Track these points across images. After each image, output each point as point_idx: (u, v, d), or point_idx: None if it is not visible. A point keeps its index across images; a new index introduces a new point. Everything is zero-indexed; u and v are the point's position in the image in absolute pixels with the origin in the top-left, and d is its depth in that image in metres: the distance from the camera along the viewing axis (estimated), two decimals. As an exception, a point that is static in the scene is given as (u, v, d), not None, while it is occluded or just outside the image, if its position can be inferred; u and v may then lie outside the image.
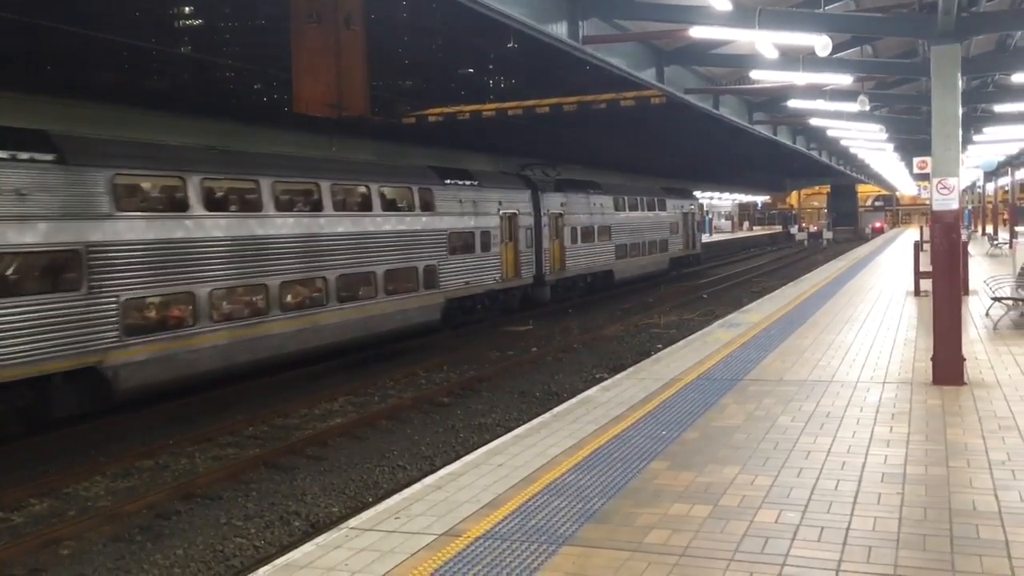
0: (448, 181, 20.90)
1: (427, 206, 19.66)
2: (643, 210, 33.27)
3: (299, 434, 12.25)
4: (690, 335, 15.30)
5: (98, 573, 7.86)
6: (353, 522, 5.97)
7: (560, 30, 11.66)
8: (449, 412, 13.48)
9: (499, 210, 22.60)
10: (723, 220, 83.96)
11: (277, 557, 5.83)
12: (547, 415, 8.97)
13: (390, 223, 18.24)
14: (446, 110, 36.27)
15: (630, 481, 6.52)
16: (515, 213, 23.44)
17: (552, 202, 25.95)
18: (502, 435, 8.61)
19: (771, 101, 22.06)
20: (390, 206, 18.63)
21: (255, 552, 8.38)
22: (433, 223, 19.70)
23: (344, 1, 47.21)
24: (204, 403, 13.95)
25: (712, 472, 6.67)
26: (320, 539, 5.66)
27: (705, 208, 78.49)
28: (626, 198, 32.02)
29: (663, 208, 35.41)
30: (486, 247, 21.74)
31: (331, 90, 38.12)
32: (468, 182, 21.82)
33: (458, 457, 8.55)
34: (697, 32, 11.38)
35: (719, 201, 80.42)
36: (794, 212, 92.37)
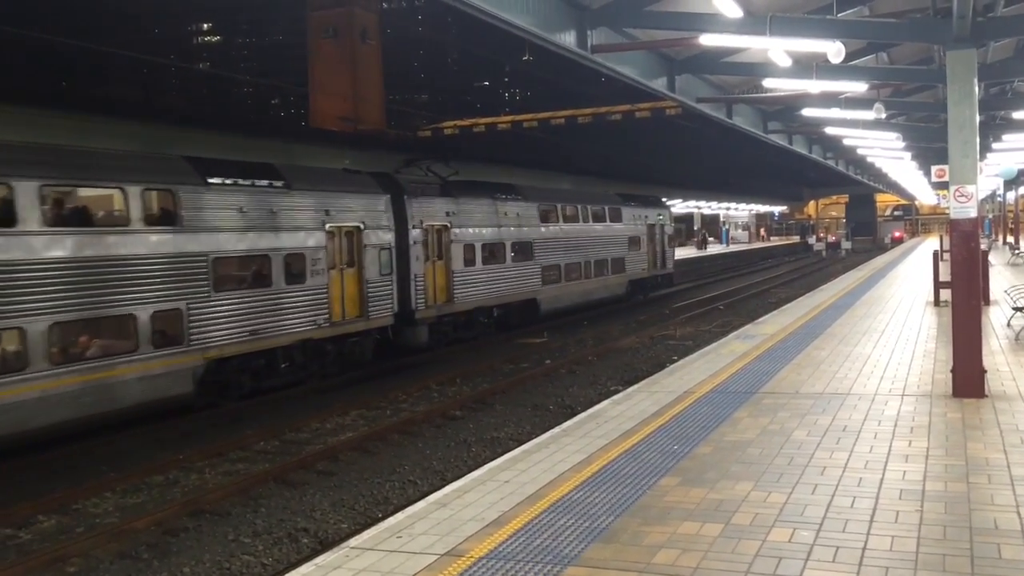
0: (217, 180, 14.18)
1: (169, 218, 13.30)
2: (586, 221, 26.88)
3: (310, 449, 12.16)
4: (705, 347, 15.11)
5: (103, 591, 7.78)
6: (354, 541, 5.85)
7: (568, 39, 11.58)
8: (461, 426, 13.35)
9: (325, 223, 16.07)
10: (740, 231, 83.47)
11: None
12: (556, 429, 8.84)
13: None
14: (461, 123, 36.30)
15: (639, 498, 6.36)
16: (358, 227, 16.92)
17: (431, 211, 19.41)
18: (514, 449, 8.47)
19: (785, 110, 21.89)
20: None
21: (262, 570, 8.28)
22: (174, 244, 13.16)
23: (360, 16, 47.44)
24: (215, 417, 13.90)
25: (724, 488, 6.50)
26: (320, 559, 5.54)
27: (721, 219, 78.15)
28: (560, 206, 25.44)
29: (617, 219, 28.80)
30: (297, 278, 15.32)
31: (347, 104, 38.25)
32: (266, 182, 15.16)
33: (469, 472, 8.42)
34: (708, 40, 11.26)
35: (735, 212, 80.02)
36: (812, 222, 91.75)
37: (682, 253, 55.78)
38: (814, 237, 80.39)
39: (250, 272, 14.64)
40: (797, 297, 24.74)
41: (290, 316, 15.17)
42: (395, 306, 17.92)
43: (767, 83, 15.26)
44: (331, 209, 16.26)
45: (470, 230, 20.81)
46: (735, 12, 9.68)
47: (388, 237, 17.76)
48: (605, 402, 10.10)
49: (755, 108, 21.88)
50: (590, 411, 9.64)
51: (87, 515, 9.74)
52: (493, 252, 21.65)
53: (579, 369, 17.69)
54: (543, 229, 24.03)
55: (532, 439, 8.90)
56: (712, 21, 10.52)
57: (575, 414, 10.75)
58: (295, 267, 15.33)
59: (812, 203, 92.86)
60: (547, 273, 23.99)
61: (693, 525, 5.75)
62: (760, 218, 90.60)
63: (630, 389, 11.03)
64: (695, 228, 71.89)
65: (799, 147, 29.20)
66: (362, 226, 17.04)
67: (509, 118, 41.83)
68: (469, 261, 20.61)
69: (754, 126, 22.17)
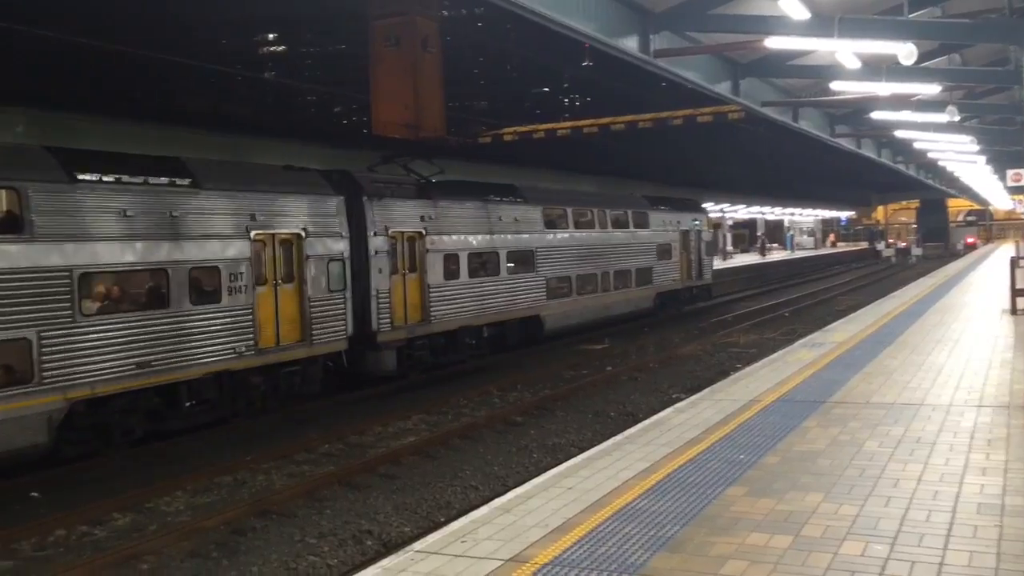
0: (89, 176, 11.56)
1: (13, 225, 10.66)
2: (604, 227, 23.76)
3: (373, 452, 12.30)
4: (771, 355, 14.85)
5: (174, 589, 7.98)
6: (418, 545, 5.89)
7: (631, 44, 11.54)
8: (522, 432, 13.36)
9: (250, 229, 13.43)
10: (805, 236, 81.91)
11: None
12: (619, 437, 8.77)
13: None
14: (521, 129, 36.43)
15: (705, 508, 6.28)
16: (298, 235, 14.26)
17: (400, 215, 16.60)
18: (576, 456, 8.44)
19: (854, 113, 21.44)
20: None
21: (328, 571, 8.39)
22: (20, 257, 10.52)
23: (422, 25, 48.08)
24: (281, 420, 14.15)
25: (793, 500, 6.38)
26: (385, 562, 5.59)
27: (786, 224, 76.66)
28: (570, 210, 22.39)
29: (643, 224, 25.78)
30: (209, 296, 12.74)
31: (408, 111, 38.66)
32: (165, 180, 12.52)
33: (530, 478, 8.41)
34: (774, 43, 11.11)
35: (800, 217, 78.56)
36: (880, 228, 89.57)
37: (746, 260, 55.00)
38: (883, 243, 78.50)
39: (139, 290, 12.11)
40: (866, 304, 24.16)
41: (197, 343, 12.48)
42: (349, 328, 15.13)
43: (835, 86, 15.00)
44: (259, 213, 13.59)
45: (452, 237, 17.78)
46: (802, 14, 9.53)
47: (340, 246, 15.02)
48: (668, 410, 10.00)
49: (822, 111, 21.49)
50: (653, 419, 9.55)
51: (159, 513, 10.00)
52: (483, 263, 18.79)
53: (640, 376, 17.56)
54: (549, 236, 21.07)
55: (594, 446, 8.86)
56: (778, 24, 10.38)
57: (637, 421, 10.69)
58: (206, 283, 12.73)
59: (880, 208, 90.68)
60: (554, 286, 21.04)
61: (761, 536, 5.64)
62: (826, 223, 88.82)
63: (693, 397, 10.90)
64: (758, 234, 70.68)
65: (868, 151, 28.57)
66: (303, 233, 14.32)
67: (569, 124, 41.81)
68: (451, 273, 17.61)
69: (821, 130, 21.77)
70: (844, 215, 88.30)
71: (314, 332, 14.40)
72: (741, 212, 63.45)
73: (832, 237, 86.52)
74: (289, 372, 14.22)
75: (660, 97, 19.01)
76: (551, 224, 21.49)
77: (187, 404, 12.67)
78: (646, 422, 9.41)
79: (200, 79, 19.87)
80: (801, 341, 16.15)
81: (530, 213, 20.68)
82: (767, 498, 6.42)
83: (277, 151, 22.66)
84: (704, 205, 34.24)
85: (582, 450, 10.31)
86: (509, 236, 19.68)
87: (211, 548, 8.90)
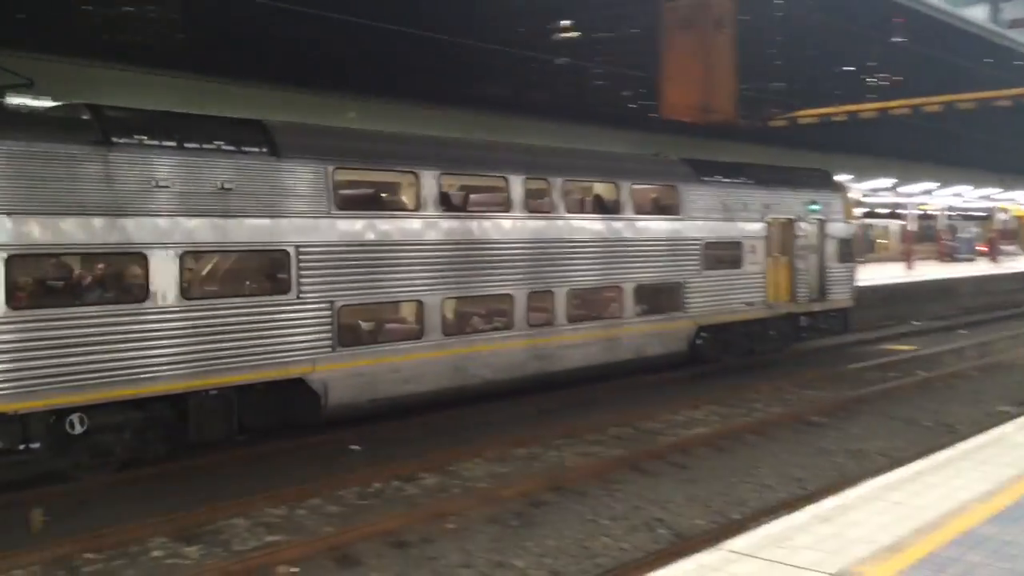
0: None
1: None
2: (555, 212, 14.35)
3: (662, 439, 12.14)
4: None
5: (478, 551, 8.35)
6: (733, 544, 5.63)
7: (978, 14, 10.25)
8: (821, 433, 12.54)
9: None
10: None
11: (648, 571, 5.69)
12: (951, 451, 7.89)
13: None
14: (820, 111, 34.24)
15: (1071, 545, 5.42)
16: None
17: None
18: (886, 465, 7.74)
19: None
20: None
21: (620, 554, 8.37)
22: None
23: (716, 5, 46.71)
24: (569, 399, 14.41)
25: None
26: (701, 558, 5.40)
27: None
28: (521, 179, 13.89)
29: (670, 207, 16.14)
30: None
31: (699, 94, 37.83)
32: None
33: (834, 483, 7.83)
34: None
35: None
36: None
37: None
38: None
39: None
40: None
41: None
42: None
43: None
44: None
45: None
46: None
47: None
48: (1009, 425, 8.86)
49: None
50: (990, 435, 8.50)
51: (461, 477, 10.54)
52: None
53: (958, 384, 15.84)
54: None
55: (907, 456, 8.06)
56: None
57: (957, 435, 9.61)
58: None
59: None
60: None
61: None
62: None
63: (1034, 413, 9.58)
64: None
65: None
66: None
67: (875, 105, 38.69)
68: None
69: None
70: None
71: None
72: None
73: None
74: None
75: (995, 72, 16.84)
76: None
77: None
78: (982, 437, 8.39)
79: (501, 66, 20.73)
80: None
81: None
82: None
83: (572, 134, 23.14)
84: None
85: (892, 459, 9.50)
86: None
87: (509, 516, 9.22)
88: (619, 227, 15.00)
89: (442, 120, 19.57)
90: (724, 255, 16.80)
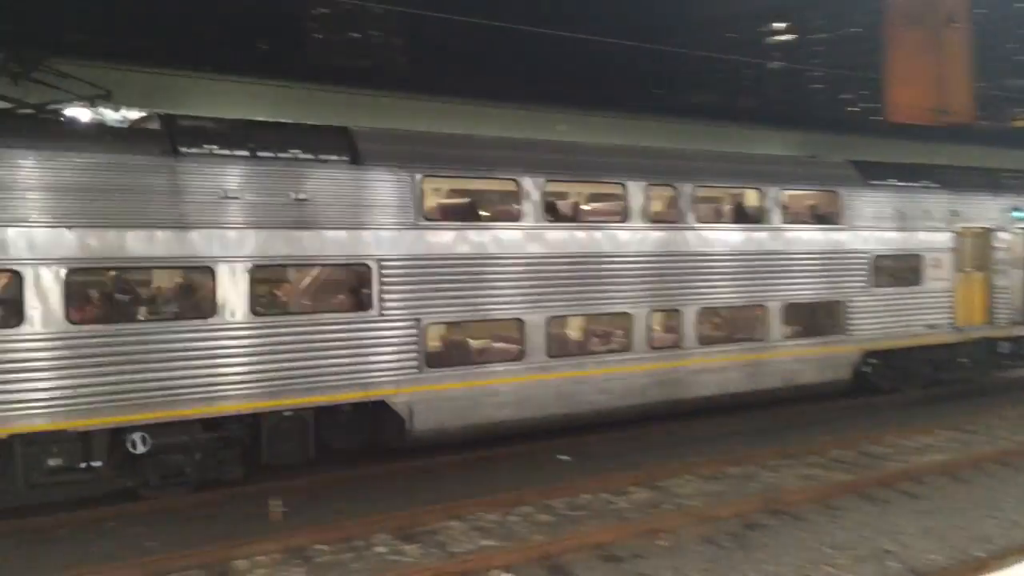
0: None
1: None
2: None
3: (891, 465, 11.32)
4: None
5: (691, 571, 8.10)
6: (986, 586, 5.09)
7: None
8: (1081, 467, 11.19)
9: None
10: None
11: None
12: None
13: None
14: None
15: None
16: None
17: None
18: None
19: None
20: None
21: (844, 586, 7.86)
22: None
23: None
24: (789, 418, 13.77)
25: None
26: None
27: None
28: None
29: (830, 216, 14.62)
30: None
31: (930, 94, 35.03)
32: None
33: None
34: None
35: None
36: None
37: None
38: None
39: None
40: None
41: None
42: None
43: None
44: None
45: None
46: None
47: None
48: None
49: None
50: None
51: (672, 494, 10.31)
52: None
53: None
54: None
55: None
56: None
57: None
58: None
59: None
60: None
61: None
62: None
63: None
64: None
65: None
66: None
67: None
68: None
69: None
70: None
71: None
72: None
73: None
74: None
75: None
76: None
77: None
78: None
79: (711, 73, 20.26)
80: None
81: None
82: None
83: (777, 140, 22.22)
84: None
85: None
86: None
87: (724, 537, 8.90)
88: (763, 238, 13.53)
89: (655, 131, 19.42)
90: (899, 270, 14.87)
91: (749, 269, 13.29)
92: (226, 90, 16.86)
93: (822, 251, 14.08)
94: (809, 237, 14.05)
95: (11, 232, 8.69)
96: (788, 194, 14.05)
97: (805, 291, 13.86)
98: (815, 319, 14.13)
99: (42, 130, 9.47)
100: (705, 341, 12.95)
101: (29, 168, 8.83)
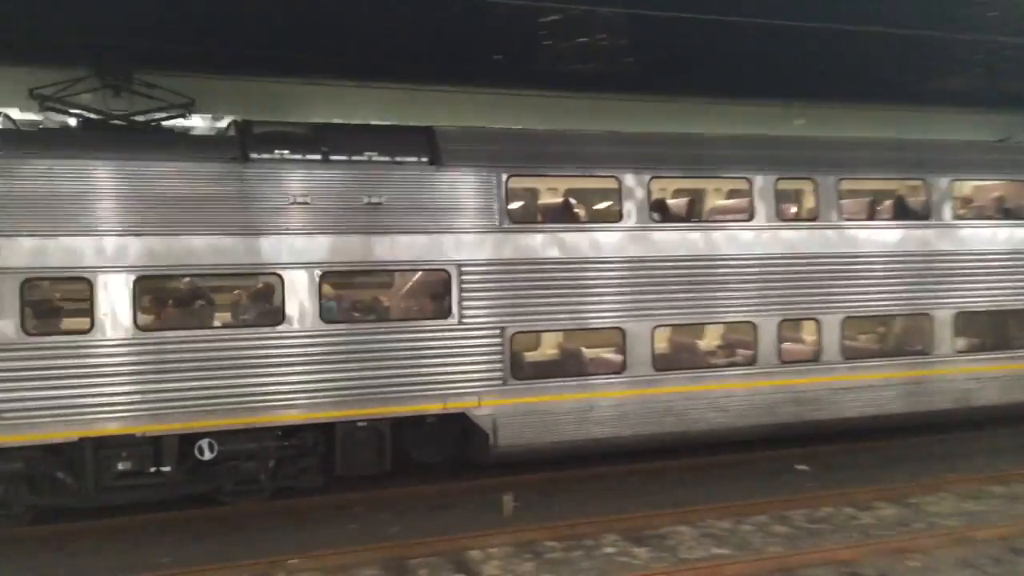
0: None
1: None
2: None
3: None
4: None
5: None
6: None
7: None
8: None
9: None
10: None
11: None
12: None
13: None
14: None
15: None
16: None
17: None
18: None
19: None
20: None
21: None
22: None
23: None
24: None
25: None
26: None
27: None
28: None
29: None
30: None
31: None
32: None
33: None
34: None
35: None
36: None
37: None
38: None
39: None
40: None
41: None
42: None
43: None
44: None
45: None
46: None
47: None
48: None
49: None
50: None
51: (925, 512, 9.54)
52: None
53: None
54: None
55: None
56: None
57: None
58: None
59: None
60: None
61: None
62: None
63: None
64: None
65: None
66: None
67: None
68: None
69: None
70: None
71: None
72: None
73: None
74: None
75: None
76: None
77: None
78: None
79: (968, 56, 18.29)
80: None
81: None
82: None
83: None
84: None
85: None
86: None
87: (985, 562, 8.13)
88: (928, 237, 11.77)
89: (907, 120, 17.92)
90: None
91: (909, 272, 11.66)
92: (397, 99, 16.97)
93: (1009, 251, 12.11)
94: (990, 235, 12.10)
95: (81, 241, 8.95)
96: (963, 185, 12.35)
97: (985, 298, 12.00)
98: (999, 330, 12.26)
99: (124, 140, 9.70)
100: (851, 355, 11.49)
101: (106, 176, 9.05)
